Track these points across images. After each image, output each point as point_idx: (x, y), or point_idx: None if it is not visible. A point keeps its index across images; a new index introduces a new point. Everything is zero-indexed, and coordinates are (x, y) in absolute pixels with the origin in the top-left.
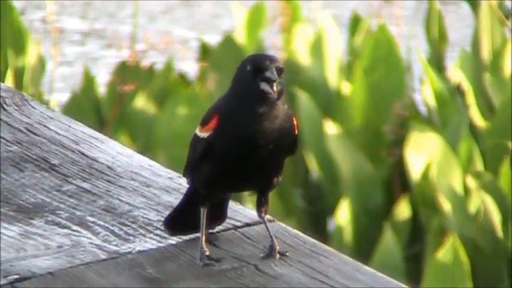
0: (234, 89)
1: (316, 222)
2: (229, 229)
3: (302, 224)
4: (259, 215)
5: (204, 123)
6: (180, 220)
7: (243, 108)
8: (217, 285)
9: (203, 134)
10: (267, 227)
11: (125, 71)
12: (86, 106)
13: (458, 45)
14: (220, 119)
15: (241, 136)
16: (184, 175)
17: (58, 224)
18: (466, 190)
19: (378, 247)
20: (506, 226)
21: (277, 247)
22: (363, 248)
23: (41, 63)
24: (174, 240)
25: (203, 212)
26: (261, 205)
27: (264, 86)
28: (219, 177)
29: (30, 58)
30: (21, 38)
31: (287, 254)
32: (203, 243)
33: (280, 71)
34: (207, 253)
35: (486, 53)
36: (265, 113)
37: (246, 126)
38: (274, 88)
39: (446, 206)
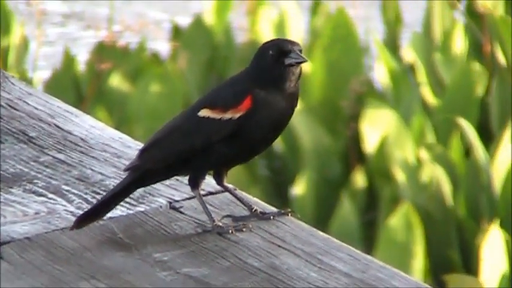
0: (255, 72)
1: (278, 190)
2: (193, 197)
3: (265, 192)
4: (221, 184)
5: (227, 105)
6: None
7: (272, 88)
8: (183, 249)
9: (229, 116)
10: (234, 194)
11: (102, 51)
12: (66, 83)
13: (413, 26)
14: (254, 99)
15: (275, 115)
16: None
17: (35, 192)
18: (419, 162)
19: (335, 215)
20: (456, 195)
21: (258, 209)
22: (322, 215)
23: (25, 43)
24: (142, 207)
25: (199, 194)
26: (224, 175)
27: (289, 60)
28: (234, 156)
29: (14, 38)
30: (6, 19)
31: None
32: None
33: (300, 52)
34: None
35: (437, 34)
36: (292, 92)
37: (279, 106)
38: (302, 55)
39: (400, 176)
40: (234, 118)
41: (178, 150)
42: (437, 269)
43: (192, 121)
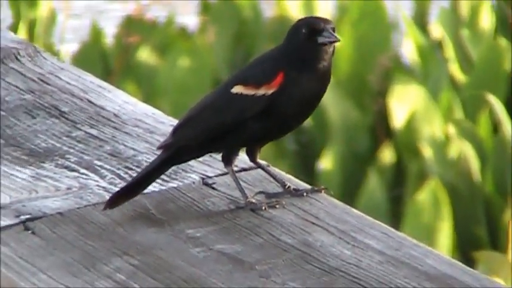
0: (287, 50)
1: (306, 165)
2: (226, 173)
3: (293, 167)
4: (254, 161)
5: (260, 81)
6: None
7: (304, 66)
8: (215, 225)
9: (262, 92)
10: (267, 171)
11: (130, 24)
12: (94, 56)
13: (442, 2)
14: (286, 76)
15: (306, 93)
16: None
17: (67, 168)
18: (447, 137)
19: (363, 190)
20: (483, 171)
21: (291, 186)
22: (349, 189)
23: (52, 15)
24: (175, 183)
25: (232, 171)
26: (257, 152)
27: (321, 39)
28: (267, 133)
29: (42, 11)
30: None
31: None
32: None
33: (333, 30)
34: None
35: (464, 10)
36: (324, 70)
37: (311, 84)
38: (335, 34)
39: (427, 152)
40: (267, 94)
41: (212, 127)
42: (464, 245)
43: (225, 98)
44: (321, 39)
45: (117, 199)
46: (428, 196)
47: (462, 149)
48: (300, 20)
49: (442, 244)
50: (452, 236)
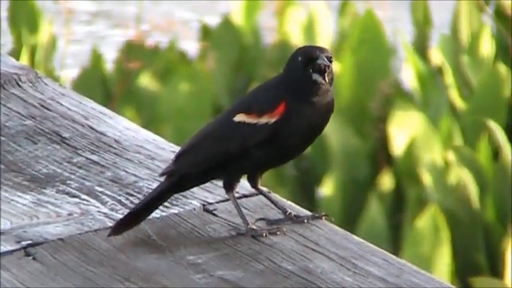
0: (286, 79)
1: (306, 191)
2: (227, 199)
3: (293, 193)
4: (255, 187)
5: (262, 109)
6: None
7: (304, 95)
8: (216, 252)
9: (264, 120)
10: (268, 197)
11: (131, 50)
12: (94, 82)
13: (442, 28)
14: (288, 104)
15: (309, 121)
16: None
17: (68, 194)
18: (446, 164)
19: (363, 216)
20: (483, 198)
21: (292, 212)
22: (349, 216)
23: (53, 41)
24: (176, 209)
25: (233, 197)
26: (258, 178)
27: (316, 77)
28: (269, 161)
29: (42, 36)
30: (35, 18)
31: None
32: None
33: (329, 59)
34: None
35: (465, 36)
36: (323, 100)
37: (313, 111)
38: (326, 78)
39: (427, 178)
40: (269, 123)
41: (214, 155)
42: (463, 271)
43: (227, 126)
44: (315, 76)
45: (120, 226)
46: (427, 222)
47: (462, 175)
48: (298, 49)
49: (441, 270)
50: (451, 262)
